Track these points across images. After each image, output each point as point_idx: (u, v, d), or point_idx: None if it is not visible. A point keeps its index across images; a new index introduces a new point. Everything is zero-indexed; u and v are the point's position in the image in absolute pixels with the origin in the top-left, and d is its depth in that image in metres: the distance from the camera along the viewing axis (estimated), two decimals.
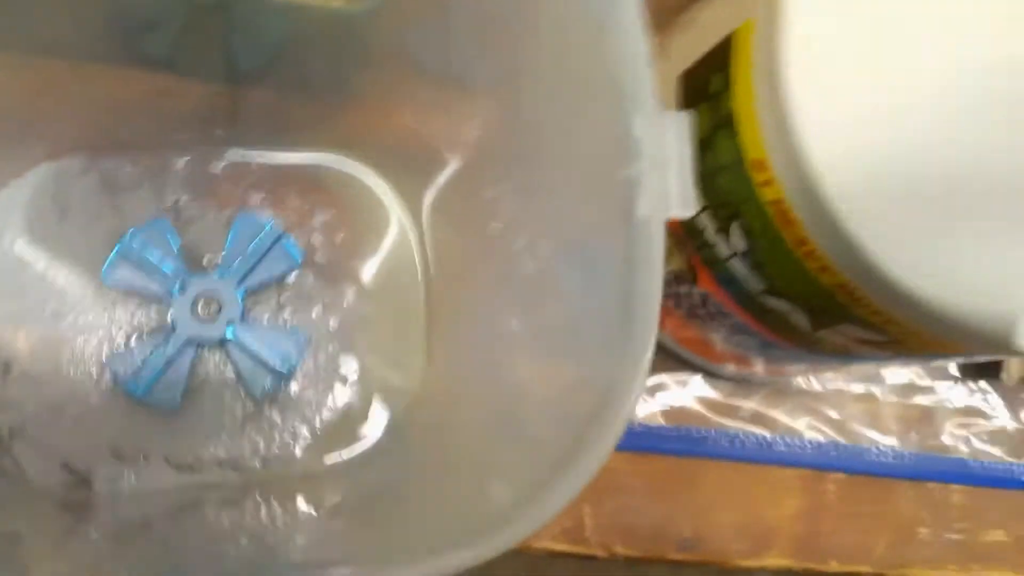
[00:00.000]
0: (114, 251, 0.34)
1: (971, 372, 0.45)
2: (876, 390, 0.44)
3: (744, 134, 0.25)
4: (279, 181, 0.37)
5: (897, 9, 0.23)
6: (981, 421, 0.45)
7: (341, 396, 0.36)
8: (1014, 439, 0.45)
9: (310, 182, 0.37)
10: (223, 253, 0.35)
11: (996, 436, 0.45)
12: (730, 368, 0.41)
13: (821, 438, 0.43)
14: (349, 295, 0.37)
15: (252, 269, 0.35)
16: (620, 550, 0.40)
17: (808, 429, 0.43)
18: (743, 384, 0.43)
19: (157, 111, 0.35)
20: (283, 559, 0.29)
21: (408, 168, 0.37)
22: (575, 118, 0.25)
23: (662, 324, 0.37)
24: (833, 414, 0.44)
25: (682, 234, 0.31)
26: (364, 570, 0.21)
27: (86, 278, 0.34)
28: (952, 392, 0.45)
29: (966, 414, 0.45)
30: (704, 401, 0.42)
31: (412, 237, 0.38)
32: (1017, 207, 0.24)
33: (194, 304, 0.34)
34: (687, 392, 0.42)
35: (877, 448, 0.44)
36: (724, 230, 0.29)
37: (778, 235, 0.26)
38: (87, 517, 0.32)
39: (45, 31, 0.31)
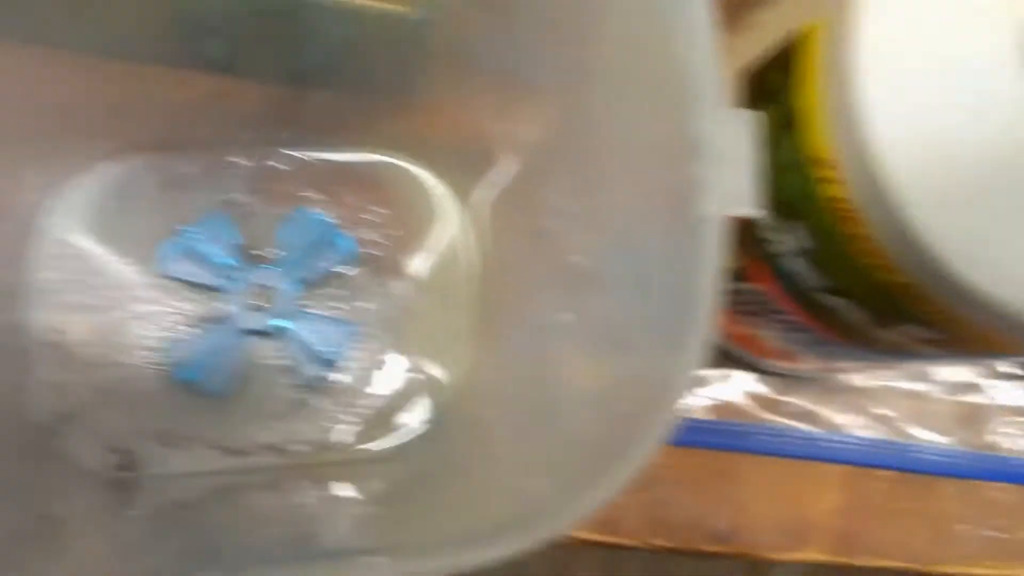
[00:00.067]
0: (173, 243, 0.35)
1: None
2: (926, 387, 0.44)
3: (807, 132, 0.25)
4: (335, 179, 0.37)
5: (969, 12, 0.23)
6: None
7: (388, 387, 0.36)
8: None
9: (366, 180, 0.38)
10: (279, 247, 0.36)
11: None
12: (779, 364, 0.40)
13: (869, 435, 0.43)
14: (400, 289, 0.37)
15: (307, 263, 0.35)
16: (656, 541, 0.40)
17: (856, 426, 0.43)
18: (792, 380, 0.42)
19: (217, 112, 0.35)
20: (323, 544, 0.30)
21: (463, 167, 0.37)
22: (639, 117, 0.25)
23: None
24: (882, 411, 0.43)
25: (736, 230, 0.31)
26: (402, 558, 0.21)
27: (145, 269, 0.35)
28: (1002, 390, 0.44)
29: (1017, 412, 0.44)
30: (752, 396, 0.42)
31: (465, 234, 0.38)
32: None
33: (249, 295, 0.34)
34: (733, 387, 0.42)
35: (924, 445, 0.44)
36: (781, 226, 0.28)
37: (839, 232, 0.25)
38: (133, 499, 0.32)
39: (112, 34, 0.31)
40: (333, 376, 0.36)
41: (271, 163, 0.37)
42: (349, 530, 0.31)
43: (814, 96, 0.24)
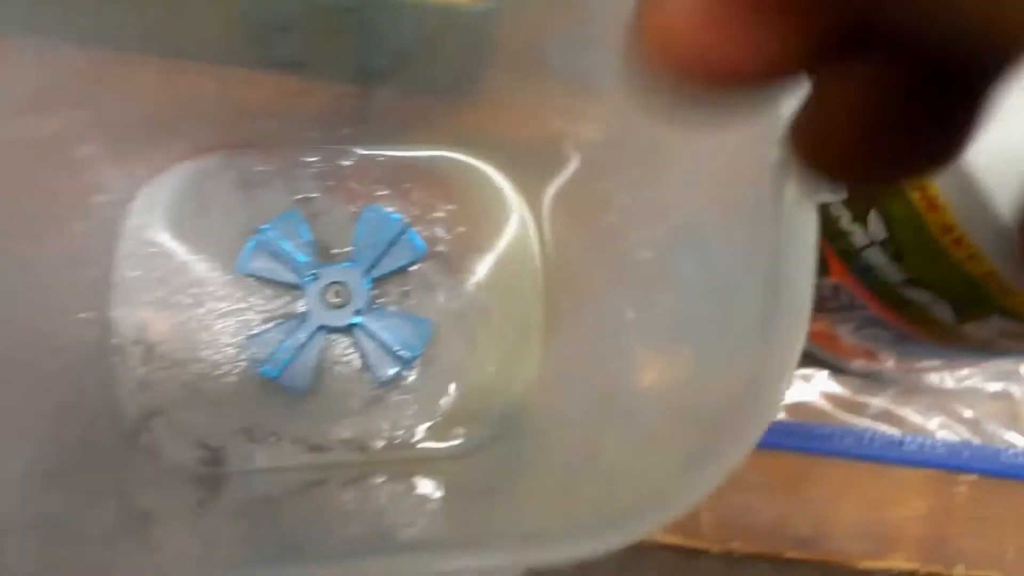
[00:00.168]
0: (251, 242, 0.35)
1: None
2: (1014, 388, 0.42)
3: None
4: (403, 176, 0.38)
5: None
6: None
7: (460, 383, 0.36)
8: None
9: (433, 177, 0.38)
10: (351, 244, 0.36)
11: None
12: (858, 364, 0.39)
13: (953, 437, 0.41)
14: (469, 286, 0.37)
15: (379, 259, 0.36)
16: (736, 546, 0.40)
17: (940, 428, 0.41)
18: (871, 380, 0.41)
19: (288, 111, 0.36)
20: (400, 537, 0.30)
21: (529, 164, 0.37)
22: None
23: None
24: (967, 413, 0.42)
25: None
26: (480, 552, 0.21)
27: (224, 267, 0.36)
28: None
29: None
30: (829, 397, 0.41)
31: (531, 230, 0.38)
32: None
33: (324, 292, 0.35)
34: (811, 387, 0.41)
35: (1012, 449, 0.42)
36: (861, 219, 0.28)
37: (922, 222, 0.25)
38: (217, 494, 0.33)
39: (187, 36, 0.32)
40: (407, 373, 0.36)
41: (341, 161, 0.38)
42: (428, 524, 0.31)
43: None
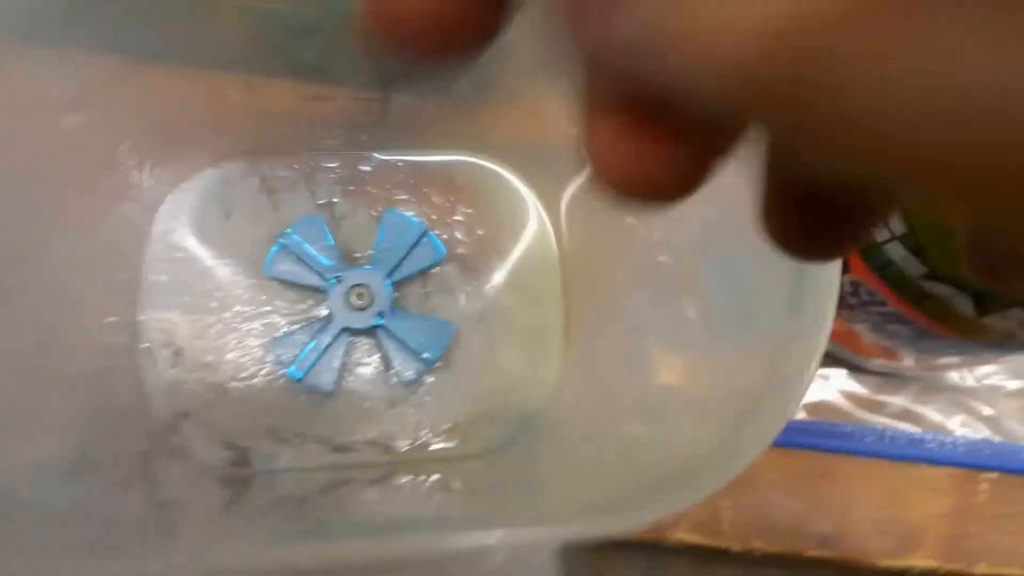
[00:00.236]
0: (276, 245, 0.36)
1: None
2: None
3: None
4: (422, 180, 0.38)
5: None
6: None
7: (482, 385, 0.37)
8: None
9: (451, 180, 0.38)
10: (374, 247, 0.37)
11: None
12: (877, 362, 0.39)
13: (974, 436, 0.41)
14: (489, 288, 0.38)
15: (400, 262, 0.36)
16: (757, 545, 0.40)
17: (960, 426, 0.41)
18: (891, 379, 0.41)
19: (309, 117, 0.37)
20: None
21: (546, 167, 0.38)
22: None
23: None
24: (987, 411, 0.42)
25: None
26: (507, 528, 0.21)
27: (249, 271, 0.36)
28: None
29: None
30: (849, 395, 0.41)
31: (549, 233, 0.39)
32: None
33: (348, 295, 0.35)
34: (830, 386, 0.41)
35: None
36: None
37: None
38: (245, 492, 0.34)
39: (209, 45, 0.33)
40: (429, 374, 0.36)
41: (361, 166, 0.38)
42: (452, 522, 0.31)
43: None
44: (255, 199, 0.37)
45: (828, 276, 0.22)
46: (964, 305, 0.28)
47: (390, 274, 0.36)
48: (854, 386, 0.41)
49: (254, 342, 0.36)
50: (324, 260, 0.36)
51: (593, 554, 1.11)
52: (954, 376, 0.42)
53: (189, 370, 0.35)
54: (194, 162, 0.37)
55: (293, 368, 0.35)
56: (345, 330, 0.35)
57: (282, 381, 0.35)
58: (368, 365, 0.36)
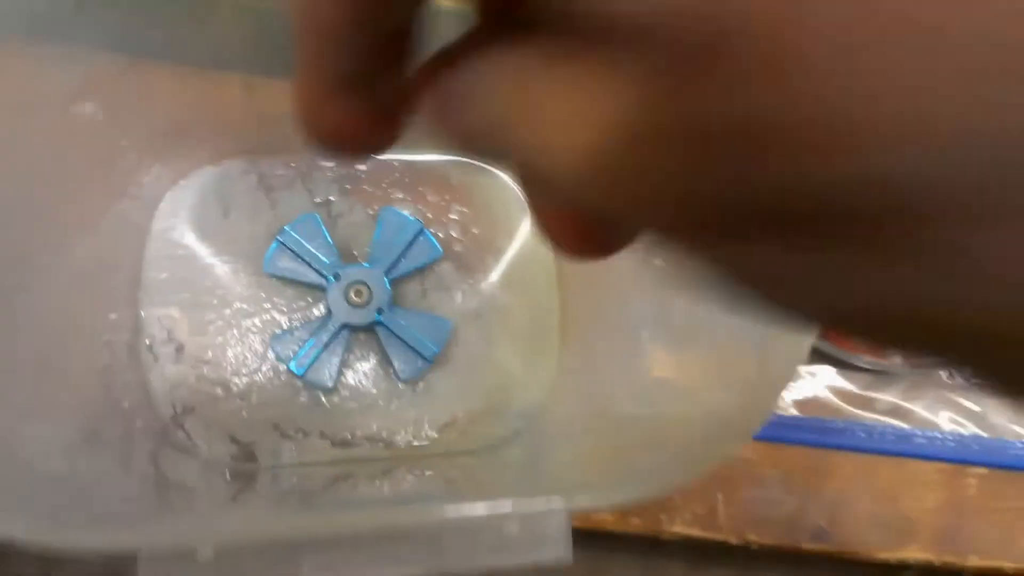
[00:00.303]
0: (274, 243, 0.36)
1: None
2: None
3: None
4: (418, 179, 0.39)
5: None
6: None
7: (480, 381, 0.37)
8: None
9: (447, 180, 0.39)
10: (371, 245, 0.37)
11: None
12: (866, 359, 0.40)
13: (962, 431, 0.42)
14: (486, 285, 0.38)
15: (397, 260, 0.37)
16: (753, 538, 0.40)
17: (949, 422, 0.42)
18: (880, 376, 0.42)
19: None
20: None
21: None
22: None
23: None
24: (974, 407, 0.42)
25: None
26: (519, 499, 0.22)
27: (248, 268, 0.37)
28: None
29: None
30: (839, 392, 0.42)
31: None
32: None
33: (347, 292, 0.36)
34: (820, 383, 0.42)
35: (1020, 442, 0.42)
36: None
37: None
38: (251, 486, 0.34)
39: (210, 45, 0.33)
40: (429, 370, 0.37)
41: (357, 166, 0.39)
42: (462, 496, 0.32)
43: None
44: (253, 197, 0.38)
45: None
46: None
47: (388, 271, 0.37)
48: (844, 383, 0.42)
49: (254, 338, 0.36)
50: (322, 258, 0.36)
51: (590, 556, 1.11)
52: (941, 373, 0.43)
53: (191, 366, 0.35)
54: (193, 160, 0.37)
55: (294, 364, 0.35)
56: (345, 327, 0.36)
57: (283, 377, 0.36)
58: (368, 361, 0.36)
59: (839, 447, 0.41)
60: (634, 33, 0.08)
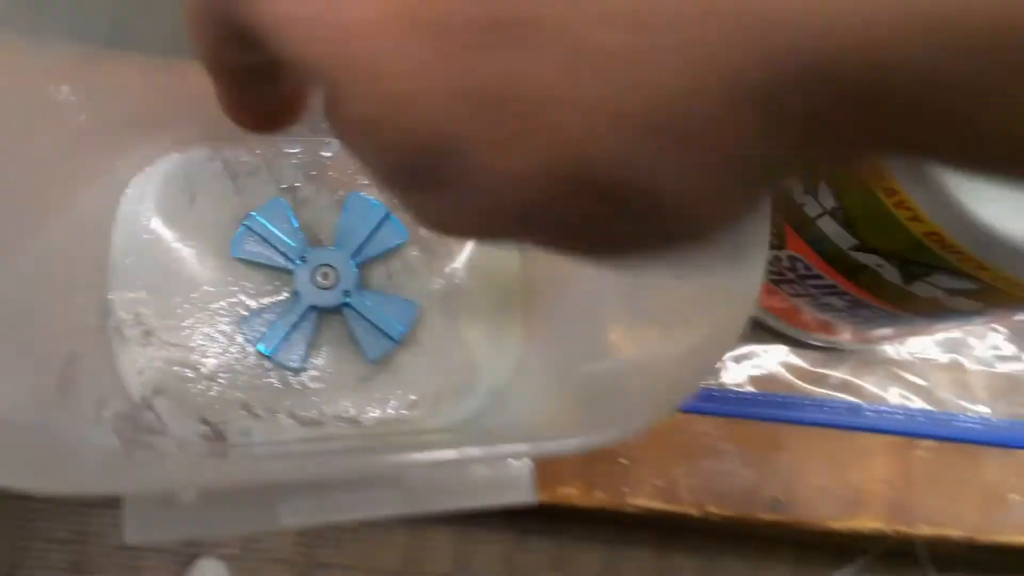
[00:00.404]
0: (241, 227, 0.37)
1: None
2: (963, 359, 0.45)
3: None
4: None
5: None
6: None
7: (447, 361, 0.38)
8: None
9: None
10: (337, 229, 0.38)
11: None
12: (818, 336, 0.42)
13: (911, 405, 0.44)
14: (451, 268, 0.39)
15: (364, 243, 0.38)
16: (713, 510, 0.42)
17: (898, 397, 0.44)
18: (831, 352, 0.44)
19: None
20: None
21: None
22: None
23: None
24: (921, 382, 0.44)
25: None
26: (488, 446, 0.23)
27: (216, 252, 0.37)
28: None
29: None
30: (792, 368, 0.43)
31: None
32: None
33: (314, 274, 0.37)
34: (774, 360, 0.43)
35: (965, 416, 0.44)
36: (812, 189, 0.30)
37: (868, 188, 0.27)
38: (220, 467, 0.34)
39: (170, 32, 0.34)
40: (396, 352, 0.38)
41: (322, 152, 0.39)
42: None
43: None
44: (219, 183, 0.38)
45: (758, 247, 0.24)
46: (892, 274, 0.30)
47: (355, 254, 0.37)
48: (796, 360, 0.44)
49: (222, 321, 0.37)
50: (289, 241, 0.37)
51: (554, 547, 1.13)
52: (889, 350, 0.44)
53: (159, 348, 0.36)
54: (159, 146, 0.38)
55: (262, 345, 0.36)
56: (312, 308, 0.36)
57: (252, 359, 0.36)
58: (336, 342, 0.37)
59: (793, 421, 0.43)
60: None
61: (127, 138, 0.37)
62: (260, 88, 0.15)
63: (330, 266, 0.37)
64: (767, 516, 0.42)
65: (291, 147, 0.39)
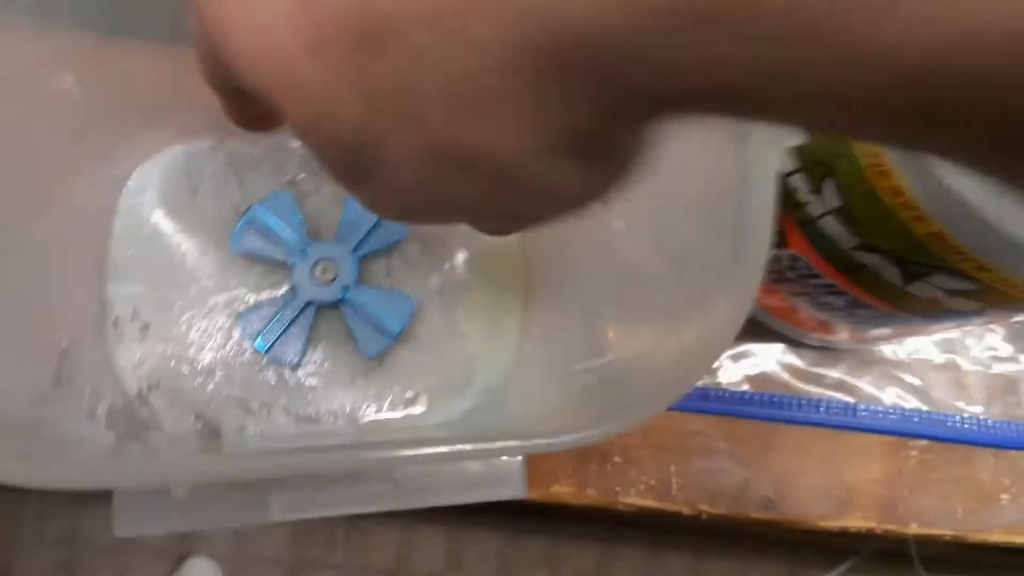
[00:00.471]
0: (242, 220, 0.37)
1: None
2: (959, 360, 0.45)
3: None
4: None
5: None
6: None
7: (444, 357, 0.38)
8: None
9: None
10: (338, 223, 0.38)
11: None
12: (815, 336, 0.42)
13: (905, 405, 0.44)
14: (450, 264, 0.39)
15: (364, 238, 0.38)
16: (705, 508, 0.42)
17: (894, 397, 0.44)
18: (828, 352, 0.44)
19: None
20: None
21: None
22: None
23: None
24: (917, 382, 0.45)
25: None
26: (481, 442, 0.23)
27: (216, 246, 0.37)
28: None
29: None
30: (789, 368, 0.44)
31: None
32: None
33: (313, 269, 0.37)
34: (772, 359, 0.44)
35: (960, 416, 0.45)
36: (817, 189, 0.30)
37: (872, 188, 0.27)
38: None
39: (176, 21, 0.34)
40: (393, 348, 0.37)
41: None
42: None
43: None
44: (221, 176, 0.38)
45: (758, 245, 0.24)
46: (892, 274, 0.30)
47: (355, 249, 0.37)
48: (793, 359, 0.44)
49: (220, 316, 0.37)
50: (290, 235, 0.37)
51: (547, 545, 1.13)
52: (886, 350, 0.45)
53: (157, 342, 0.36)
54: (161, 138, 0.37)
55: (259, 341, 0.36)
56: (310, 303, 0.36)
57: (248, 354, 0.36)
58: (333, 338, 0.37)
59: (787, 420, 0.43)
60: None
61: (130, 128, 0.36)
62: (249, 100, 0.17)
63: (330, 260, 0.37)
64: (759, 515, 0.42)
65: (295, 140, 0.39)
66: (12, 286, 0.31)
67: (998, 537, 0.44)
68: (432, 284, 0.39)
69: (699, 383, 0.43)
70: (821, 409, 0.43)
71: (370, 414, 0.37)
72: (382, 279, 0.38)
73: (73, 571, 1.07)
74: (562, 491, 0.41)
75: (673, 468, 0.42)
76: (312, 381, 0.37)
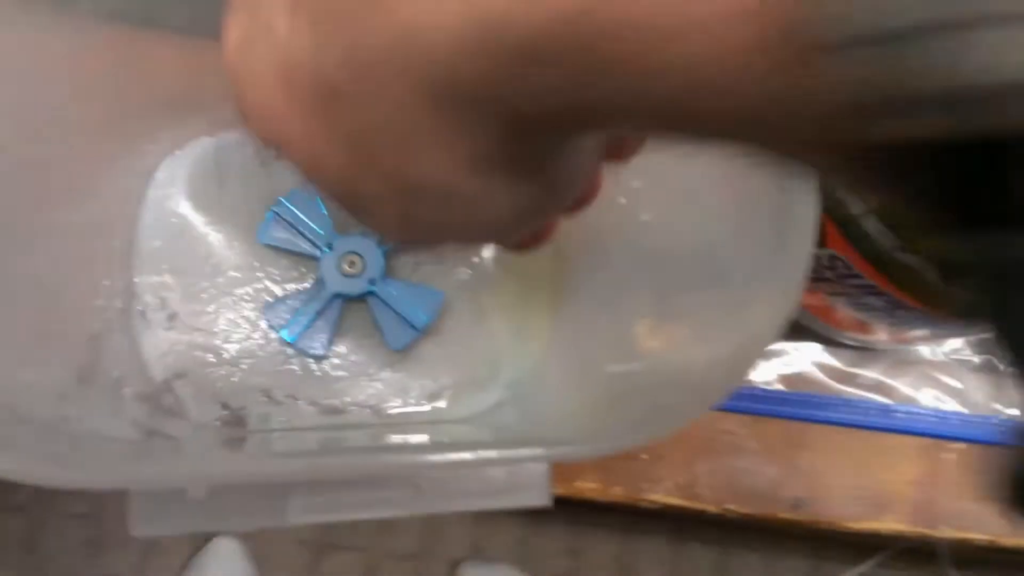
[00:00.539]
0: (269, 213, 0.37)
1: None
2: (998, 361, 0.44)
3: None
4: None
5: None
6: None
7: (471, 351, 0.38)
8: None
9: None
10: None
11: None
12: (851, 335, 0.41)
13: (943, 407, 0.43)
14: (479, 257, 0.39)
15: None
16: (732, 508, 0.41)
17: (932, 399, 0.43)
18: (864, 352, 0.43)
19: None
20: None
21: None
22: None
23: None
24: (955, 384, 0.43)
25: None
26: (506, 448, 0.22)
27: (243, 237, 0.37)
28: None
29: None
30: (824, 368, 0.43)
31: None
32: None
33: (340, 261, 0.36)
34: (806, 358, 0.43)
35: (998, 418, 0.43)
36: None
37: None
38: (240, 451, 0.34)
39: (209, 13, 0.33)
40: (420, 340, 0.37)
41: None
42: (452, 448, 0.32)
43: None
44: (249, 168, 0.38)
45: (801, 245, 0.23)
46: (933, 276, 0.29)
47: (382, 242, 0.37)
48: (829, 359, 0.43)
49: (247, 306, 0.36)
50: (317, 228, 0.37)
51: (570, 534, 1.13)
52: (924, 350, 0.43)
53: (183, 332, 0.36)
54: (191, 130, 0.37)
55: (286, 332, 0.36)
56: (337, 296, 0.36)
57: (275, 344, 0.36)
58: (359, 330, 0.37)
59: (822, 421, 0.42)
60: None
61: (160, 120, 0.36)
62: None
63: (357, 253, 0.36)
64: (788, 515, 0.42)
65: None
66: (41, 276, 0.31)
67: None
68: (460, 278, 0.38)
69: None
70: (857, 410, 0.42)
71: (395, 406, 0.36)
72: (409, 272, 0.38)
73: (100, 548, 1.08)
74: (586, 487, 0.41)
75: (702, 467, 0.42)
76: (337, 373, 0.36)
